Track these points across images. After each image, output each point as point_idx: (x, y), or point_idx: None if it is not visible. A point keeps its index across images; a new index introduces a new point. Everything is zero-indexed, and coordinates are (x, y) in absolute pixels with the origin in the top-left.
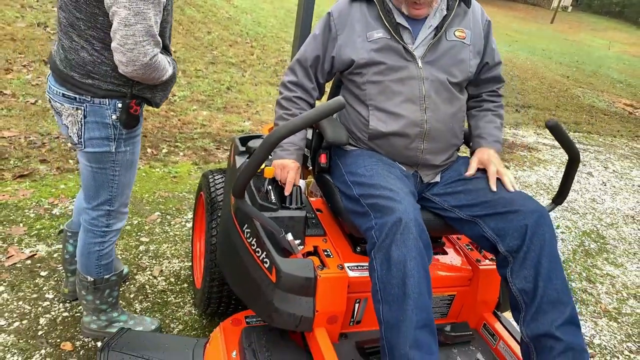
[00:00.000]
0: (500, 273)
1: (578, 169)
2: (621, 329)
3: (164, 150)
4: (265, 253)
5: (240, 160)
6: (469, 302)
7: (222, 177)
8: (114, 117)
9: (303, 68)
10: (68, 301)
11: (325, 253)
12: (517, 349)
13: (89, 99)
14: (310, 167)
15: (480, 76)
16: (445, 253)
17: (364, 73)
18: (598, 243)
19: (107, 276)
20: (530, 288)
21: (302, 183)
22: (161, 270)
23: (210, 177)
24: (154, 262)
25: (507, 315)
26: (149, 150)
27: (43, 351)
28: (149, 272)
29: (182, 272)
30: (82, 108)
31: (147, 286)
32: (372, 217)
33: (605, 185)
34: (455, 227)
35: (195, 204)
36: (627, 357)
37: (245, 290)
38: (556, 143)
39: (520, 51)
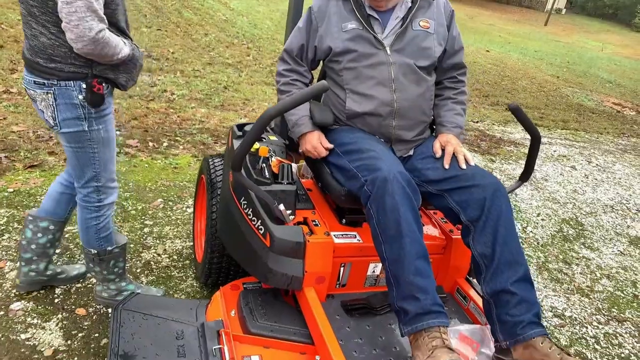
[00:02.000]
0: (464, 241)
1: (562, 163)
2: (592, 304)
3: (164, 144)
4: (260, 221)
5: (237, 143)
6: (443, 269)
7: (221, 161)
8: (80, 97)
9: (291, 57)
10: (23, 293)
11: (314, 223)
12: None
13: (56, 82)
14: (301, 150)
15: (443, 63)
16: (422, 224)
17: (340, 60)
18: (576, 229)
19: (109, 248)
20: (489, 252)
21: (294, 166)
22: (165, 249)
23: (210, 161)
24: (157, 242)
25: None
26: (150, 143)
27: (60, 315)
28: (154, 251)
29: (184, 250)
30: (52, 92)
31: (152, 262)
32: (361, 177)
33: (587, 177)
34: (427, 199)
35: (197, 187)
36: (595, 327)
37: (243, 254)
38: (544, 139)
39: (512, 52)
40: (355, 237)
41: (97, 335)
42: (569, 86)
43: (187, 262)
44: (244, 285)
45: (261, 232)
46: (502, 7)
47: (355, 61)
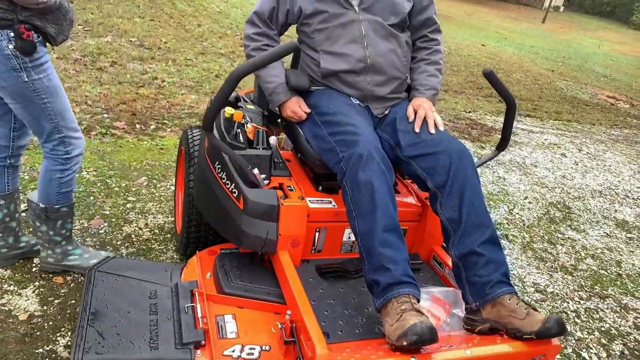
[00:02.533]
0: (432, 208)
1: (552, 151)
2: (575, 281)
3: (152, 127)
4: (234, 184)
5: None
6: (419, 236)
7: (198, 131)
8: (11, 46)
9: (262, 20)
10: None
11: (289, 188)
12: None
13: None
14: (280, 120)
15: (413, 20)
16: (398, 192)
17: (311, 23)
18: (563, 212)
19: (57, 206)
20: (455, 216)
21: (272, 139)
22: (146, 224)
23: (189, 132)
24: (139, 216)
25: None
26: (137, 126)
27: (37, 283)
28: (135, 225)
29: (166, 225)
30: None
31: (132, 235)
32: (339, 152)
33: (577, 164)
34: (398, 167)
35: (177, 159)
36: (577, 302)
37: (218, 218)
38: (532, 128)
39: (507, 47)
40: (331, 202)
41: (73, 302)
42: (563, 79)
43: (169, 235)
44: (221, 250)
45: (235, 195)
46: (500, 4)
47: (326, 22)
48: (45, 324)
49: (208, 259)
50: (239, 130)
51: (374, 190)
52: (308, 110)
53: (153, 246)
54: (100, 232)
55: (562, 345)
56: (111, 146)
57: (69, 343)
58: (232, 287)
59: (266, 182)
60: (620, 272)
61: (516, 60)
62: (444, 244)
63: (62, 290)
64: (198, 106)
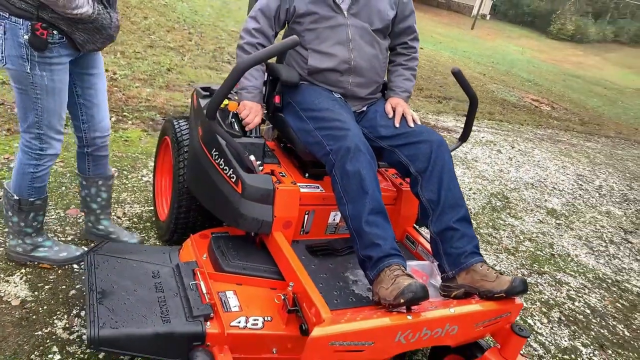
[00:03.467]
0: (413, 191)
1: (489, 147)
2: (517, 261)
3: (112, 119)
4: (232, 170)
5: (204, 102)
6: (394, 218)
7: (185, 122)
8: (26, 37)
9: (266, 17)
10: None
11: (281, 174)
12: (430, 248)
13: (7, 16)
14: (266, 112)
15: (395, 27)
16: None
17: (303, 22)
18: (503, 202)
19: (31, 199)
20: (435, 197)
21: (264, 129)
22: (124, 213)
23: (175, 122)
24: (115, 206)
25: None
26: None
27: (23, 270)
28: (113, 214)
29: (143, 214)
30: (3, 24)
31: None
32: (326, 145)
33: (511, 160)
34: (380, 155)
35: (158, 148)
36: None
37: (215, 202)
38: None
39: (443, 51)
40: (318, 187)
41: (64, 287)
42: (494, 83)
43: (148, 224)
44: (213, 234)
45: (233, 180)
46: (432, 9)
47: (316, 22)
48: (40, 309)
49: (201, 242)
50: (234, 119)
51: (362, 178)
52: (258, 123)
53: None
54: (79, 221)
55: (524, 305)
56: (74, 137)
57: (67, 325)
58: (231, 266)
59: (261, 168)
60: (553, 252)
61: (452, 63)
62: (415, 224)
63: (51, 277)
64: (155, 99)
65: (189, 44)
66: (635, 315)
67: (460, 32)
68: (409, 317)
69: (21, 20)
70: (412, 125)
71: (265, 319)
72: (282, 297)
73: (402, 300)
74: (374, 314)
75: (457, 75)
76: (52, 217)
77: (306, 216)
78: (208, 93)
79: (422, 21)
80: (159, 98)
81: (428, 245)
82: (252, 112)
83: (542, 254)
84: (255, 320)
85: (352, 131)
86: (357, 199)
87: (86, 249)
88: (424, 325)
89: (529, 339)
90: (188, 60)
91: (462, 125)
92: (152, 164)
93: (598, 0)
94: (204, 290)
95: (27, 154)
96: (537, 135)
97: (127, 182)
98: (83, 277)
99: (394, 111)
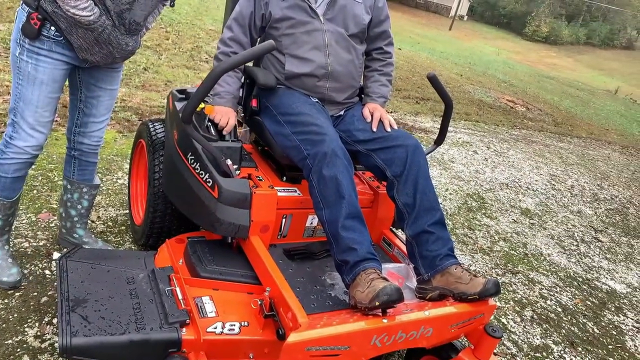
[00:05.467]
0: (389, 194)
1: (465, 148)
2: (492, 260)
3: None
4: (208, 174)
5: (179, 105)
6: (371, 221)
7: (161, 125)
8: (24, 21)
9: (240, 25)
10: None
11: (258, 178)
12: (406, 250)
13: (22, 3)
14: (242, 115)
15: (370, 31)
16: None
17: (279, 27)
18: (478, 202)
19: None
20: (410, 201)
21: (241, 132)
22: (99, 216)
23: (150, 125)
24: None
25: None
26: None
27: None
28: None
29: (118, 218)
30: (19, 10)
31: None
32: (303, 150)
33: (486, 160)
34: (357, 159)
35: (133, 152)
36: (495, 277)
37: (191, 207)
38: (450, 127)
39: (421, 51)
40: (296, 191)
41: (35, 294)
42: (470, 84)
43: (123, 228)
44: (189, 238)
45: (209, 184)
46: (411, 10)
47: (293, 27)
48: (10, 317)
49: (177, 247)
50: (210, 123)
51: (338, 183)
52: (232, 125)
53: (109, 238)
54: (51, 225)
55: (497, 306)
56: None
57: (38, 333)
58: (208, 271)
59: (237, 172)
60: (527, 252)
61: (429, 64)
62: (391, 227)
63: (22, 283)
64: (130, 99)
65: (166, 42)
66: (604, 313)
67: (438, 33)
68: (384, 321)
69: (26, 6)
70: (388, 129)
71: (242, 324)
72: (259, 302)
73: (377, 303)
74: (349, 317)
75: (433, 80)
76: (23, 221)
77: (284, 220)
78: (184, 96)
79: (400, 21)
80: (135, 98)
81: (404, 248)
82: (224, 116)
83: (516, 253)
84: (232, 325)
85: (329, 136)
86: (333, 203)
87: (20, 279)
88: (399, 328)
89: (502, 338)
90: (165, 59)
91: (439, 127)
92: (127, 166)
93: (571, 3)
94: (180, 296)
95: (2, 138)
96: (512, 136)
97: (101, 185)
98: (55, 284)
99: (371, 116)
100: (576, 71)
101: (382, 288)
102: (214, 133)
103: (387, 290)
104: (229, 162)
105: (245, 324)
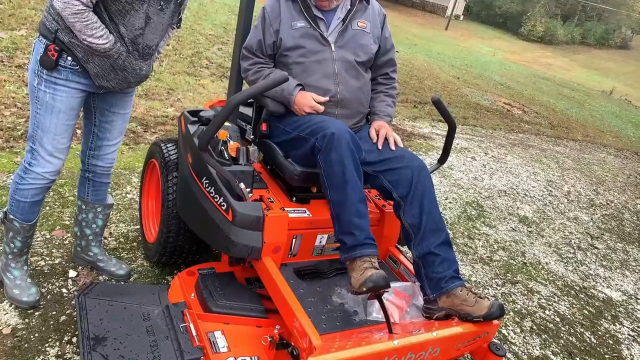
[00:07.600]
0: (395, 214)
1: (464, 155)
2: (492, 271)
3: None
4: (222, 198)
5: (192, 128)
6: (377, 238)
7: (172, 145)
8: (42, 52)
9: (251, 52)
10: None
11: (270, 200)
12: (412, 268)
13: (38, 35)
14: (252, 137)
15: (377, 60)
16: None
17: (290, 55)
18: (477, 210)
19: (11, 216)
20: (416, 222)
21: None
22: (110, 232)
23: (162, 145)
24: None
25: (405, 249)
26: (78, 131)
27: None
28: None
29: (129, 233)
30: (35, 42)
31: None
32: (311, 138)
33: (485, 167)
34: (364, 180)
35: (144, 170)
36: (495, 288)
37: (206, 229)
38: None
39: (418, 54)
40: (305, 212)
41: (54, 313)
42: (467, 87)
43: (135, 244)
44: (199, 271)
45: (223, 208)
46: (407, 9)
47: (304, 56)
48: (32, 336)
49: (188, 280)
50: (223, 147)
51: (344, 166)
52: (322, 99)
53: (122, 255)
54: (65, 242)
55: (501, 325)
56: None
57: (59, 352)
58: (219, 306)
59: (250, 195)
60: (525, 261)
61: (427, 67)
62: (397, 244)
63: (41, 302)
64: (135, 109)
65: (166, 48)
66: (601, 322)
67: (434, 33)
68: (394, 343)
69: (43, 39)
70: (393, 147)
71: (253, 358)
72: (269, 339)
73: (364, 289)
74: (362, 340)
75: (437, 103)
76: (38, 238)
77: (294, 240)
78: (196, 119)
79: (397, 21)
80: (138, 108)
81: (410, 265)
82: (307, 102)
83: (514, 262)
84: None
85: (335, 123)
86: (338, 186)
87: (39, 298)
88: (409, 349)
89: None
90: (166, 66)
91: (438, 132)
92: (136, 180)
93: (566, 3)
94: (194, 332)
95: (21, 164)
96: (510, 140)
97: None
98: (75, 319)
99: (377, 134)
100: (571, 71)
101: (370, 276)
102: (227, 157)
103: (374, 278)
104: (242, 185)
105: (256, 358)
